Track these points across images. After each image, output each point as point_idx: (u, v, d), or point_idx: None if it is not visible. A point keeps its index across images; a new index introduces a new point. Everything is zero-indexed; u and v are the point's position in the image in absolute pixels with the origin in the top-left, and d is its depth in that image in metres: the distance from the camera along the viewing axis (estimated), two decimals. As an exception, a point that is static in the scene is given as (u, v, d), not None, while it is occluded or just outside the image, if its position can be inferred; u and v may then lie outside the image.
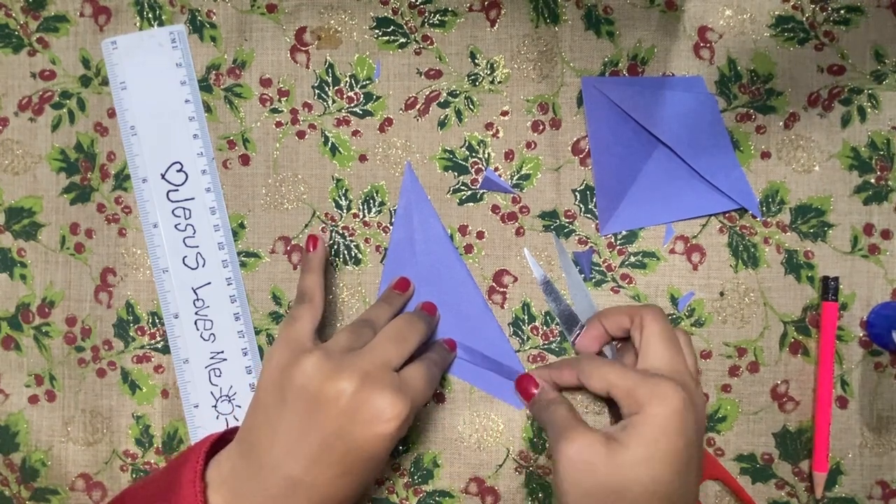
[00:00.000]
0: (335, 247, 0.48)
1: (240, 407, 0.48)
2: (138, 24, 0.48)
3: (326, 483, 0.37)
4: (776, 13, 0.46)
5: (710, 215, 0.46)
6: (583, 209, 0.47)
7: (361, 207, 0.48)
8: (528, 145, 0.47)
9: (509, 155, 0.47)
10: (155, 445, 0.48)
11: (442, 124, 0.47)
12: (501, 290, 0.47)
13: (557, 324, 0.47)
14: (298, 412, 0.38)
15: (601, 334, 0.44)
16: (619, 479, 0.36)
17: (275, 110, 0.48)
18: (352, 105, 0.48)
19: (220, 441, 0.41)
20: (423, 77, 0.47)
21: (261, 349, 0.48)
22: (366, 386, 0.37)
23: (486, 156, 0.47)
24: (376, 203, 0.48)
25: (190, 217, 0.48)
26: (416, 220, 0.47)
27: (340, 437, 0.37)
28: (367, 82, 0.48)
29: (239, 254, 0.48)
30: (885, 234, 0.45)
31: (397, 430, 0.38)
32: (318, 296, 0.43)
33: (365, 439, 0.37)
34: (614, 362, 0.41)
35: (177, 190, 0.48)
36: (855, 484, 0.46)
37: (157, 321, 0.48)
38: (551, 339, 0.47)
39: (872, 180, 0.45)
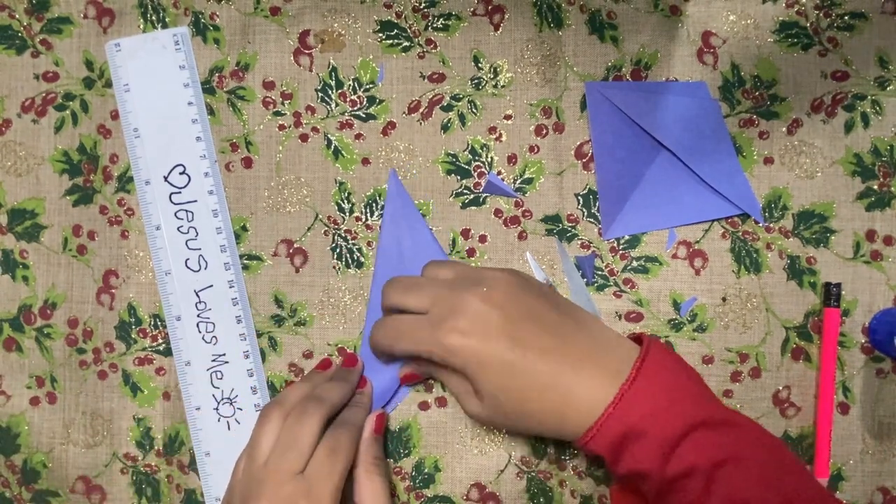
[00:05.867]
0: (338, 250, 0.48)
1: (241, 409, 0.48)
2: (142, 27, 0.48)
3: None
4: (780, 19, 0.46)
5: (713, 220, 0.46)
6: (585, 213, 0.47)
7: (364, 211, 0.48)
8: (531, 149, 0.47)
9: (512, 159, 0.47)
10: (156, 448, 0.48)
11: (445, 128, 0.47)
12: (504, 294, 0.47)
13: (559, 328, 0.46)
14: None
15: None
16: None
17: (278, 113, 0.48)
18: (355, 108, 0.48)
19: None
20: (426, 81, 0.47)
21: (262, 352, 0.48)
22: None
23: (489, 160, 0.47)
24: (379, 206, 0.48)
25: (192, 219, 0.48)
26: (404, 226, 0.47)
27: None
28: (371, 86, 0.48)
29: (241, 256, 0.48)
30: (888, 241, 0.45)
31: None
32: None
33: None
34: None
35: (179, 192, 0.48)
36: (856, 490, 0.46)
37: (158, 323, 0.48)
38: (553, 343, 0.47)
39: (875, 186, 0.45)
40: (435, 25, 0.47)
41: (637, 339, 0.41)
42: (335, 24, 0.48)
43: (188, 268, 0.48)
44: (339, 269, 0.48)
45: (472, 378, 0.39)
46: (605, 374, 0.38)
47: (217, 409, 0.48)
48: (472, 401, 0.41)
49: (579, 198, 0.47)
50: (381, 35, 0.47)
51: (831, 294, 0.45)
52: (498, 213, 0.47)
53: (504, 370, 0.38)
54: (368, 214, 0.48)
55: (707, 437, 0.36)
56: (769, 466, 0.36)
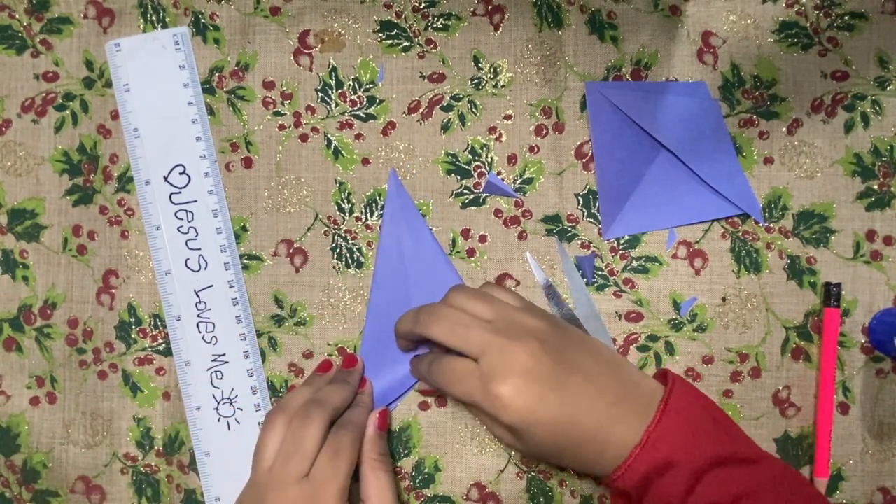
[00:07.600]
0: (338, 250, 0.48)
1: (241, 409, 0.48)
2: (142, 27, 0.48)
3: None
4: (780, 19, 0.46)
5: (713, 220, 0.46)
6: (585, 213, 0.47)
7: (364, 211, 0.48)
8: (531, 149, 0.47)
9: (512, 159, 0.47)
10: (156, 448, 0.48)
11: (445, 128, 0.47)
12: (504, 294, 0.47)
13: (559, 328, 0.46)
14: None
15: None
16: None
17: (278, 113, 0.48)
18: (355, 108, 0.48)
19: None
20: (426, 81, 0.47)
21: (262, 352, 0.48)
22: None
23: (489, 160, 0.47)
24: (378, 206, 0.48)
25: (192, 219, 0.48)
26: (404, 226, 0.47)
27: None
28: (371, 86, 0.48)
29: (241, 256, 0.48)
30: (888, 241, 0.45)
31: None
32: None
33: None
34: None
35: (179, 192, 0.48)
36: (856, 490, 0.46)
37: (158, 323, 0.48)
38: (553, 343, 0.47)
39: (875, 186, 0.45)
40: (435, 25, 0.47)
41: (662, 374, 0.42)
42: (335, 24, 0.48)
43: (188, 268, 0.48)
44: (339, 269, 0.48)
45: (518, 433, 0.39)
46: (633, 416, 0.38)
47: (217, 409, 0.48)
48: (507, 435, 0.40)
49: (579, 198, 0.47)
50: (381, 35, 0.47)
51: (831, 294, 0.45)
52: (498, 213, 0.47)
53: (552, 428, 0.38)
54: (368, 214, 0.48)
55: (727, 474, 0.37)
56: (788, 503, 0.37)
